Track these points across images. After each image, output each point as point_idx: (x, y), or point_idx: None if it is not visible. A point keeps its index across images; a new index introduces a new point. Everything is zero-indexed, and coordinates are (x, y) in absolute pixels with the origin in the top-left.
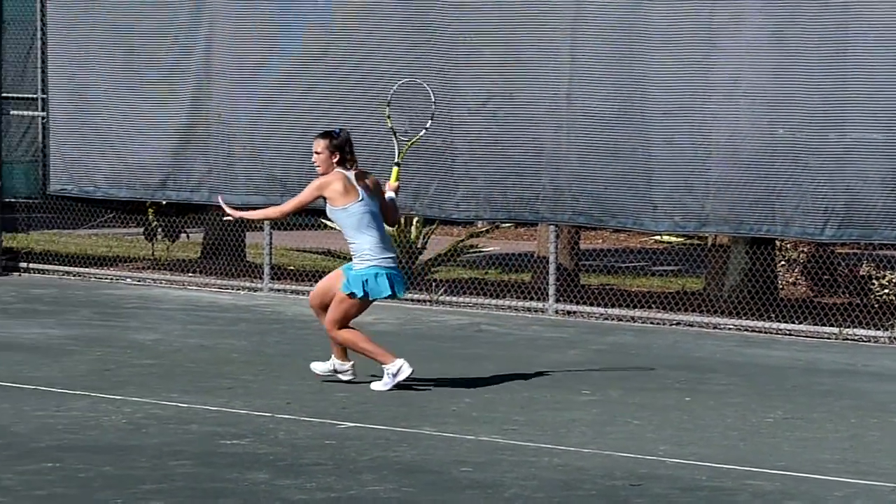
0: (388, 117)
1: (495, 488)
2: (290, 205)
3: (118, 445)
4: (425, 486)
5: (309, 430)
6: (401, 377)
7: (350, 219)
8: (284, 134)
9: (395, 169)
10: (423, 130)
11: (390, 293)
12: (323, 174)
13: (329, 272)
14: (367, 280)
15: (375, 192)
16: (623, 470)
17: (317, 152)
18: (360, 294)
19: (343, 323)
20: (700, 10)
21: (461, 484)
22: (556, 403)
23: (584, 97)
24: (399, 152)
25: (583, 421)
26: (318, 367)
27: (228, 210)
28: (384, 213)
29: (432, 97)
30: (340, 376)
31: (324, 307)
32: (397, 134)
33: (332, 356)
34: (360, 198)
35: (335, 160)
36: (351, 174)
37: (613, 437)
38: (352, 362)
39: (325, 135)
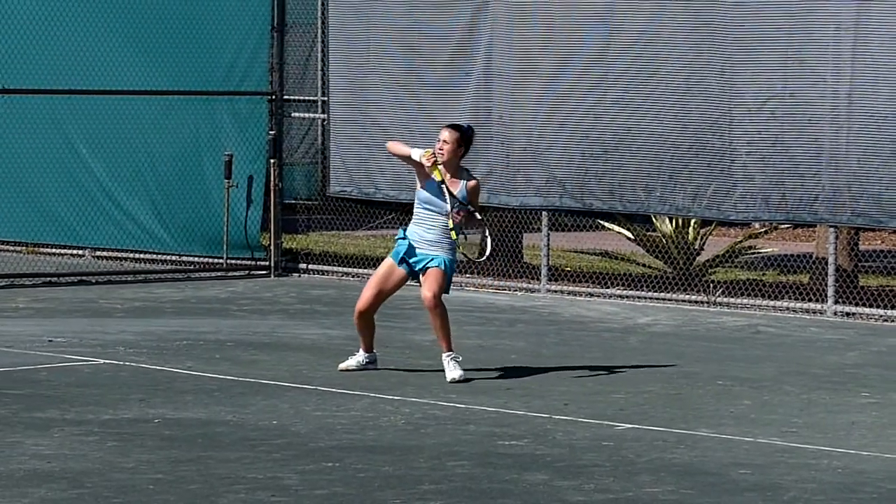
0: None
1: (774, 491)
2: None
3: (397, 445)
4: (703, 488)
5: (587, 432)
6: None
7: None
8: (564, 136)
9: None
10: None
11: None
12: (443, 164)
13: (604, 273)
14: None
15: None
16: None
17: (446, 141)
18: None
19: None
20: None
21: (739, 486)
22: (836, 406)
23: (866, 96)
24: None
25: (863, 423)
26: (350, 363)
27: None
28: None
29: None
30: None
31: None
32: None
33: (361, 350)
34: None
35: (460, 154)
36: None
37: (894, 441)
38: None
39: (456, 127)
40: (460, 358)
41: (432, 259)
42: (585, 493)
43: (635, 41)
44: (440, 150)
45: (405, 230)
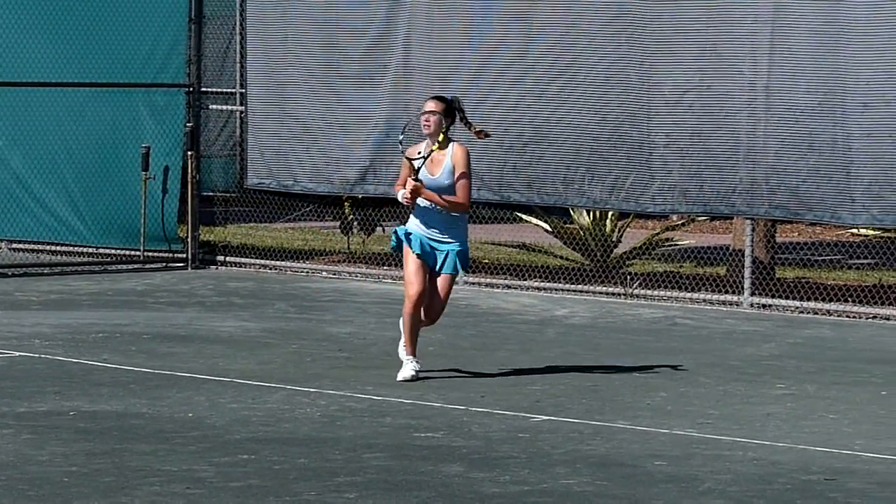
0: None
1: (689, 482)
2: (469, 193)
3: (313, 438)
4: (619, 480)
5: (503, 424)
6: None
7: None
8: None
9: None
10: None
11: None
12: (429, 135)
13: (522, 265)
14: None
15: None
16: (818, 464)
17: (432, 112)
18: None
19: None
20: None
21: (655, 478)
22: (751, 397)
23: (783, 88)
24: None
25: (778, 415)
26: (407, 373)
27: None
28: None
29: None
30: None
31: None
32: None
33: (410, 357)
34: None
35: (446, 124)
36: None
37: (809, 432)
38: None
39: (441, 98)
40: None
41: (447, 256)
42: (501, 485)
43: (554, 33)
44: (426, 121)
45: (397, 232)
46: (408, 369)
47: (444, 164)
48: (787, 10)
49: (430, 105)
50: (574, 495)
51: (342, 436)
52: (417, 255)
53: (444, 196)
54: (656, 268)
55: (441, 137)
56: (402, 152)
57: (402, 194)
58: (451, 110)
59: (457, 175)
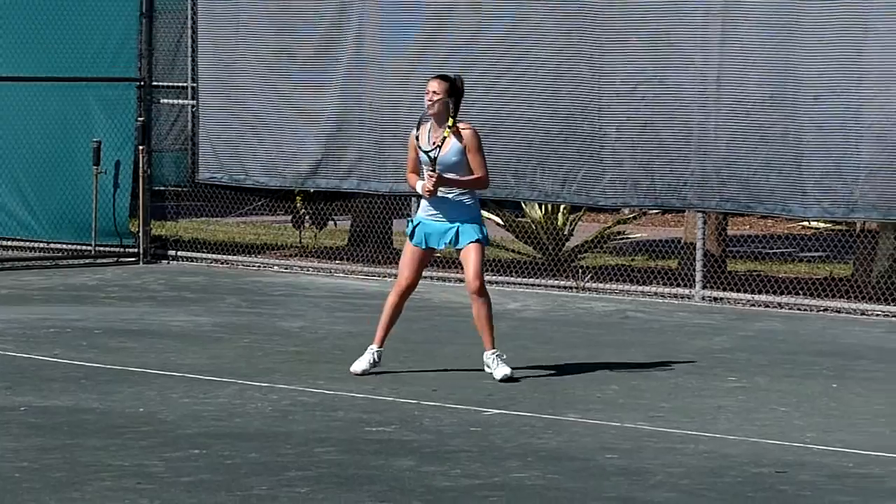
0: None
1: (641, 475)
2: (486, 169)
3: (264, 432)
4: (570, 473)
5: (454, 417)
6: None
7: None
8: None
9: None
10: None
11: None
12: (433, 115)
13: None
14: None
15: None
16: (769, 457)
17: (435, 92)
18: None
19: None
20: None
21: (606, 471)
22: (703, 390)
23: (734, 81)
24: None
25: (729, 408)
26: (357, 367)
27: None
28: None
29: None
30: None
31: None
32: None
33: (372, 346)
34: None
35: (450, 104)
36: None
37: (760, 424)
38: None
39: (445, 77)
40: (504, 356)
41: (462, 229)
42: (452, 479)
43: (505, 26)
44: (430, 101)
45: (412, 221)
46: (362, 362)
47: (451, 141)
48: (738, 3)
49: (434, 85)
50: (525, 489)
51: (294, 430)
52: (417, 246)
53: (463, 177)
54: (608, 261)
55: (451, 122)
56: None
57: (422, 186)
58: (455, 90)
59: (470, 156)
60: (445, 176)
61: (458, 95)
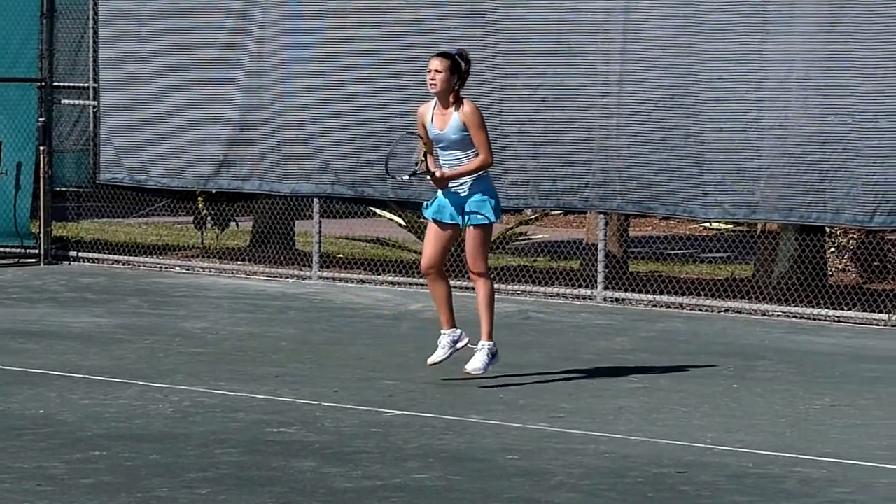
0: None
1: (542, 476)
2: (488, 148)
3: (165, 434)
4: (471, 474)
5: (355, 418)
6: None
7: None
8: (336, 123)
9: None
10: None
11: None
12: (436, 94)
13: (376, 260)
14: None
15: None
16: (670, 457)
17: (438, 70)
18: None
19: None
20: None
21: (507, 472)
22: (604, 391)
23: (635, 86)
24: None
25: (630, 408)
26: (434, 357)
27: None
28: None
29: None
30: (459, 346)
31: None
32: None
33: (443, 331)
34: None
35: (453, 82)
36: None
37: (661, 425)
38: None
39: (446, 55)
40: (496, 350)
41: (470, 206)
42: (353, 480)
43: (406, 29)
44: (432, 80)
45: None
46: (437, 353)
47: (451, 117)
48: (638, 10)
49: (435, 63)
50: (427, 490)
51: (194, 431)
52: (434, 220)
53: (466, 166)
54: (510, 262)
55: (452, 97)
56: (414, 173)
57: (431, 177)
58: (457, 66)
59: (473, 135)
60: (447, 172)
61: (461, 72)
